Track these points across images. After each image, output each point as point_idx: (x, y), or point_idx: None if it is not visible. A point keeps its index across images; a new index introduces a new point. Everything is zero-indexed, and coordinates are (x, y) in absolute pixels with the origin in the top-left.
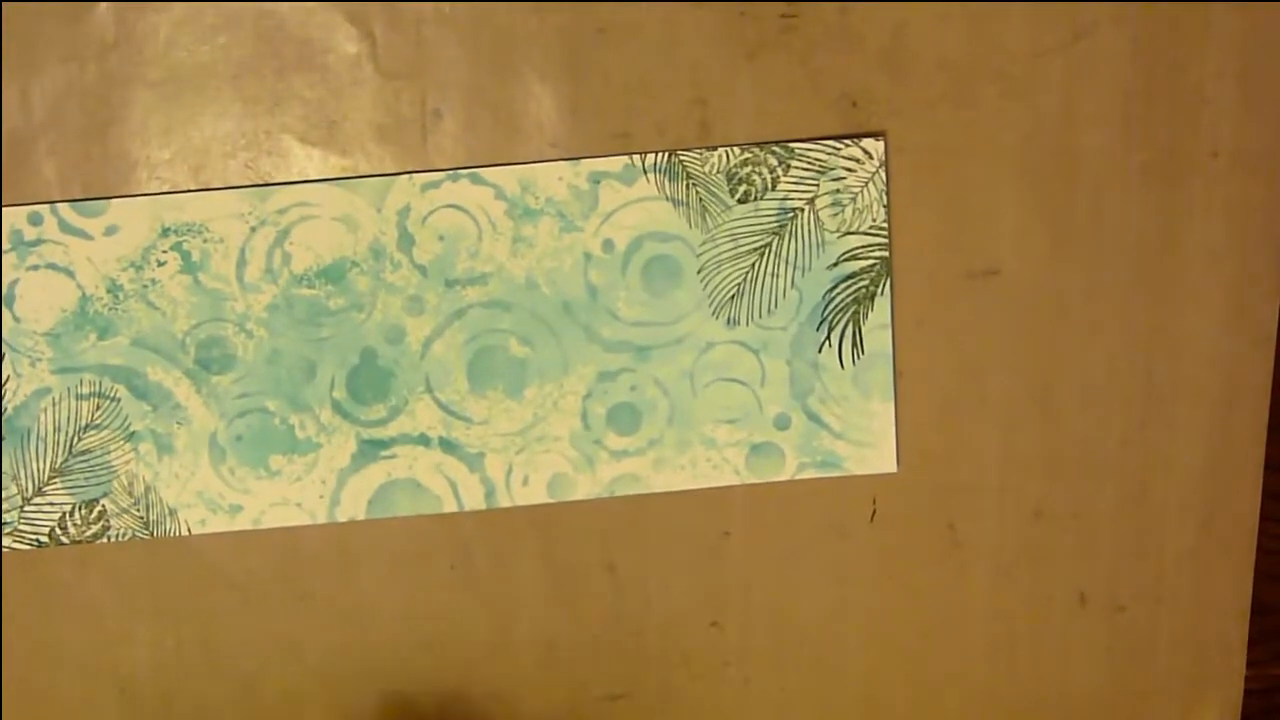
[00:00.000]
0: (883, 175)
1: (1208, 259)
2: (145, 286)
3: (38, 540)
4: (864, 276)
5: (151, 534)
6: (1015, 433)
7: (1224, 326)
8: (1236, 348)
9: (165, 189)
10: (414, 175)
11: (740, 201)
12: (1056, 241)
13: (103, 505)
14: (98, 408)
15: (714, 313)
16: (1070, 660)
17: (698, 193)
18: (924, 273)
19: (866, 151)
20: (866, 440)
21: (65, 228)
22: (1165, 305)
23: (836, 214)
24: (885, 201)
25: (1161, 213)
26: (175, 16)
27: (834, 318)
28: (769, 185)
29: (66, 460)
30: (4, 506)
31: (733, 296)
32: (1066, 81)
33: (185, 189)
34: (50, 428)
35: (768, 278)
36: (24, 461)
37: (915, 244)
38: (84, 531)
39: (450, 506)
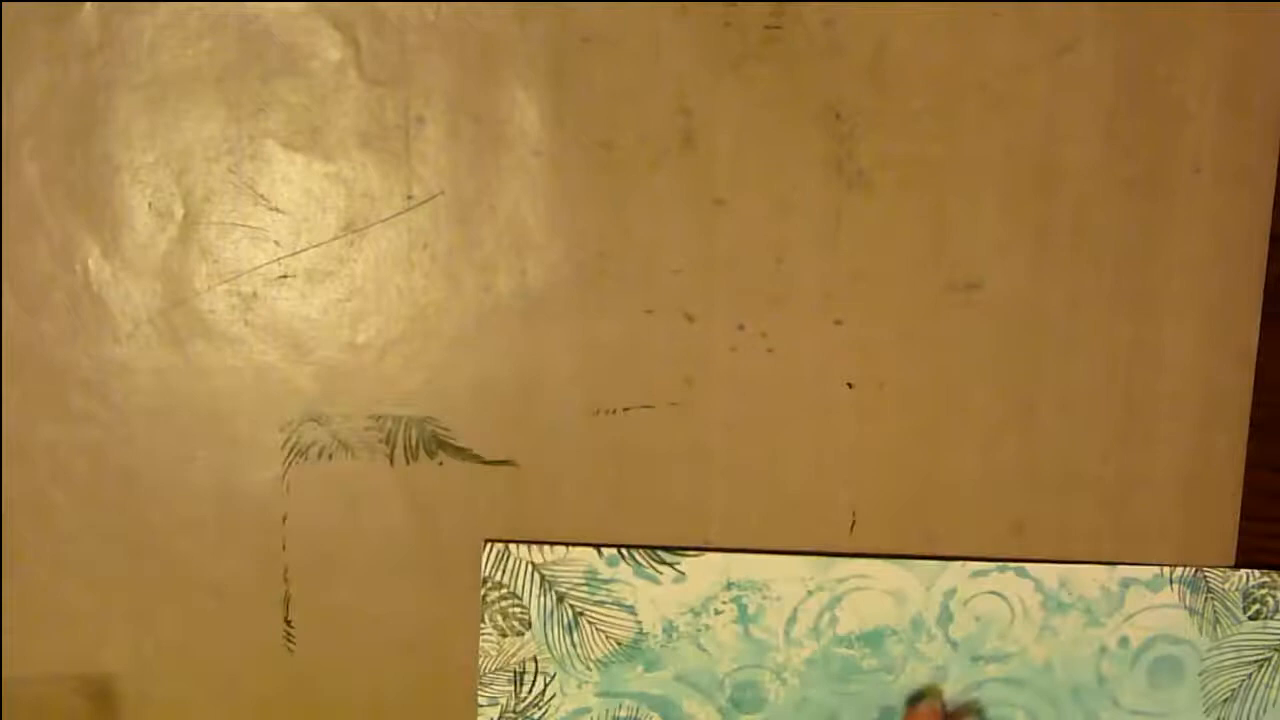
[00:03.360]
0: None
1: (1189, 274)
2: (698, 631)
3: None
4: None
5: None
6: (995, 446)
7: (1205, 341)
8: (1217, 362)
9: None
10: (966, 562)
11: (1251, 618)
12: (1038, 255)
13: None
14: None
15: (1206, 711)
16: None
17: (1214, 606)
18: (906, 285)
19: None
20: None
21: (640, 572)
22: (1146, 320)
23: None
24: None
25: (1143, 227)
26: (160, 20)
27: None
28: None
29: None
30: None
31: (1226, 700)
32: (1049, 95)
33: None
34: None
35: (1262, 688)
36: None
37: (897, 257)
38: None
39: None
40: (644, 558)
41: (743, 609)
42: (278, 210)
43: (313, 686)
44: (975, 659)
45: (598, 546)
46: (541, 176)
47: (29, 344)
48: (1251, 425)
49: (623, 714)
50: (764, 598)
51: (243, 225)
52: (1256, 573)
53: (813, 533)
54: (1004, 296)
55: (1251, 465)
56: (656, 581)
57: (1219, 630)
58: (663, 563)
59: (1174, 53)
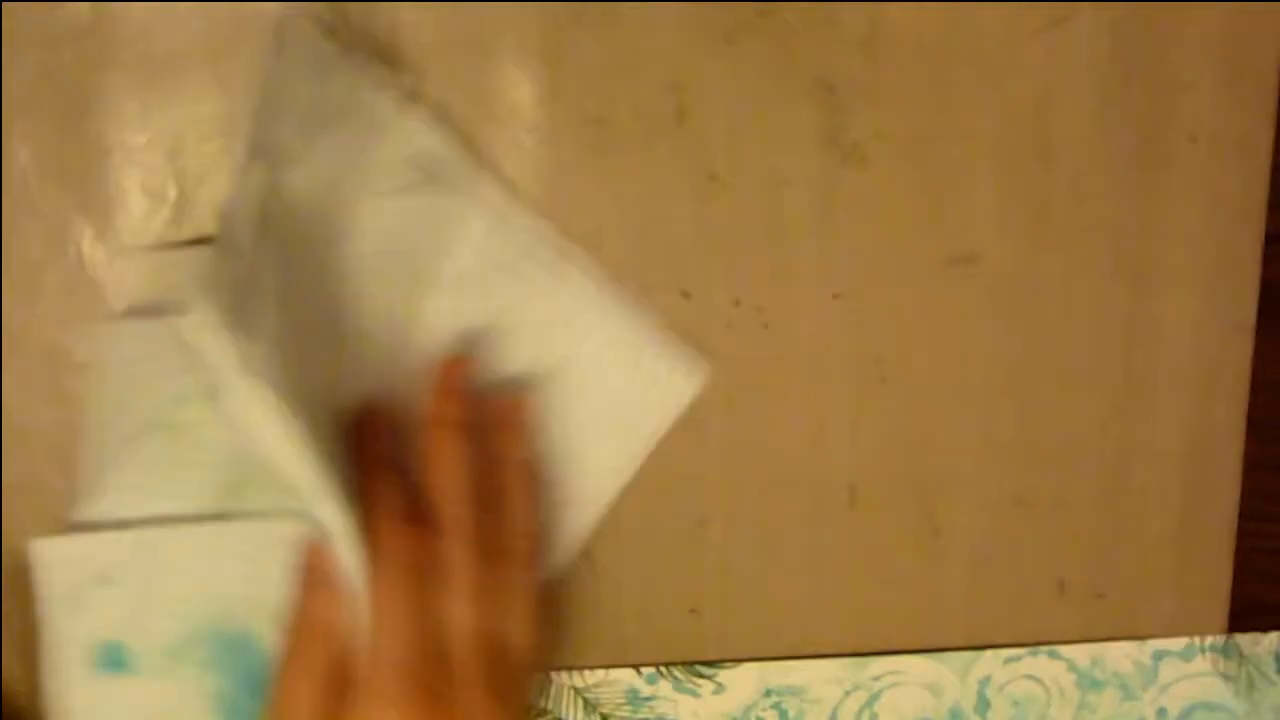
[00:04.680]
0: None
1: (1187, 245)
2: None
3: None
4: None
5: None
6: (994, 420)
7: (1203, 312)
8: (1216, 334)
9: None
10: (999, 650)
11: None
12: (1035, 228)
13: None
14: None
15: None
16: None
17: (1248, 670)
18: (903, 259)
19: None
20: None
21: (679, 687)
22: (1144, 291)
23: None
24: None
25: (1140, 198)
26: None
27: None
28: None
29: None
30: None
31: None
32: (1044, 67)
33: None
34: None
35: None
36: None
37: (894, 230)
38: None
39: None
40: (682, 673)
41: (784, 714)
42: None
43: None
44: None
45: (636, 666)
46: (535, 153)
47: (24, 327)
48: (1249, 422)
49: None
50: (803, 701)
51: None
52: None
53: (811, 508)
54: (1002, 269)
55: (1251, 445)
56: (696, 695)
57: (1255, 694)
58: (701, 676)
59: (1169, 22)
